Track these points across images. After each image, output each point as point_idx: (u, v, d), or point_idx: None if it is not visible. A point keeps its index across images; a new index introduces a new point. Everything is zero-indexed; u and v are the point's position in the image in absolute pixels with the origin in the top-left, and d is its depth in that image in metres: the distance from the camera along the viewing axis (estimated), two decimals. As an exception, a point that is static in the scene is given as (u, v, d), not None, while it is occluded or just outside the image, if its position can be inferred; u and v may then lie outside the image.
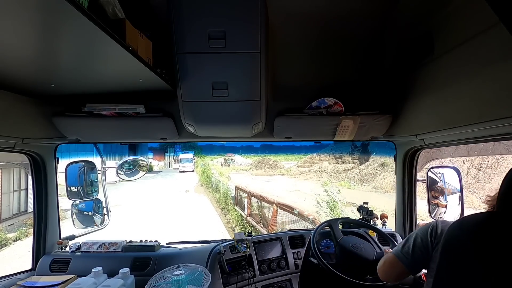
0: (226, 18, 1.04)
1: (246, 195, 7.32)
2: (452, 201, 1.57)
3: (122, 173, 1.82)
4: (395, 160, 1.75)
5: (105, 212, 1.75)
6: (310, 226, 4.67)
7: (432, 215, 1.61)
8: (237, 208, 8.07)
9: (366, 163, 17.84)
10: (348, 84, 1.41)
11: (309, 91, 1.39)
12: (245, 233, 1.59)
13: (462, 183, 1.54)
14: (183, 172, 25.38)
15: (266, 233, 5.74)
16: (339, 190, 7.42)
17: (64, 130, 1.40)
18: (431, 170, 1.65)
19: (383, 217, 1.77)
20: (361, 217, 1.77)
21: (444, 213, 1.58)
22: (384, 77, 1.38)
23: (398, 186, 1.76)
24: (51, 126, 1.37)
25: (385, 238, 1.53)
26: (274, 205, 5.82)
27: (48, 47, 0.79)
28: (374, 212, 1.75)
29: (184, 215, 9.03)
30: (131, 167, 1.88)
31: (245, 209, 7.35)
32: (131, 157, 1.90)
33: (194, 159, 28.31)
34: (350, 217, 1.76)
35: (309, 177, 19.70)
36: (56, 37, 0.73)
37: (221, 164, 29.41)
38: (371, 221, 1.72)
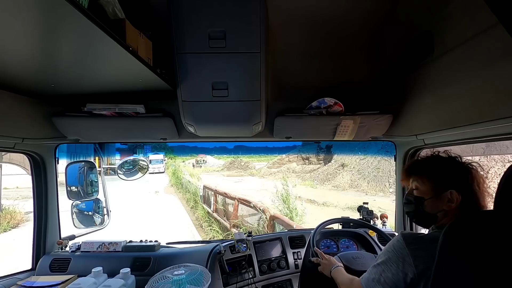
0: (226, 18, 1.04)
1: (213, 193, 7.99)
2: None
3: (122, 173, 1.82)
4: (395, 160, 1.75)
5: (105, 212, 1.76)
6: (263, 216, 5.41)
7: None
8: (204, 206, 8.64)
9: (329, 163, 19.47)
10: (348, 84, 1.41)
11: (309, 91, 1.39)
12: (245, 233, 1.59)
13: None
14: (153, 173, 24.54)
15: (228, 225, 6.41)
16: (295, 185, 8.31)
17: (64, 130, 1.40)
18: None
19: (383, 217, 1.77)
20: (361, 217, 1.77)
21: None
22: (384, 77, 1.38)
23: (398, 186, 1.76)
24: (51, 126, 1.37)
25: (385, 238, 1.53)
26: (236, 200, 6.56)
27: (48, 47, 0.79)
28: (374, 212, 1.75)
29: (153, 214, 9.19)
30: (131, 167, 1.88)
31: (212, 206, 7.97)
32: (131, 157, 1.90)
33: (165, 160, 27.59)
34: (350, 217, 1.76)
35: (278, 177, 20.63)
36: (56, 37, 0.73)
37: (193, 165, 29.06)
38: (371, 221, 1.72)
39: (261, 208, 5.56)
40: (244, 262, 1.48)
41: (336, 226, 1.74)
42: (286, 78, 1.42)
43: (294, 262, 1.59)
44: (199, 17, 1.03)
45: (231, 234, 6.25)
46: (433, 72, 1.06)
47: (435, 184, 0.89)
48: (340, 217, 1.71)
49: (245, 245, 1.51)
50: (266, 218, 5.27)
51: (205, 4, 1.02)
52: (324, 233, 1.66)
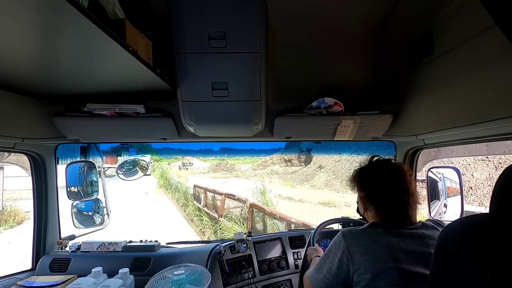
0: (226, 18, 1.04)
1: (203, 190, 9.50)
2: (452, 201, 1.57)
3: (122, 173, 1.82)
4: (395, 160, 1.75)
5: (105, 212, 1.75)
6: (244, 205, 6.72)
7: (432, 215, 1.61)
8: (195, 202, 10.03)
9: (308, 165, 20.95)
10: (348, 84, 1.41)
11: (309, 91, 1.39)
12: (245, 233, 1.59)
13: (462, 183, 1.53)
14: (139, 175, 24.87)
15: (217, 216, 7.80)
16: (270, 181, 9.81)
17: (64, 130, 1.40)
18: (431, 170, 1.65)
19: (383, 217, 1.77)
20: (361, 217, 1.77)
21: (444, 213, 1.58)
22: (384, 77, 1.38)
23: None
24: (51, 126, 1.37)
25: None
26: (223, 195, 8.03)
27: (48, 47, 0.79)
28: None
29: (148, 213, 9.93)
30: (131, 167, 1.88)
31: (202, 202, 9.33)
32: (131, 157, 1.90)
33: (151, 162, 27.41)
34: (350, 217, 1.76)
35: (261, 179, 21.47)
36: (56, 37, 0.73)
37: (179, 168, 28.81)
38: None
39: (243, 199, 6.97)
40: (244, 262, 1.48)
41: (336, 226, 1.74)
42: (286, 78, 1.42)
43: (294, 262, 1.59)
44: (199, 17, 1.03)
45: (219, 222, 7.38)
46: (433, 72, 1.06)
47: (357, 191, 1.09)
48: (340, 217, 1.71)
49: (245, 245, 1.51)
50: (246, 206, 6.58)
51: (205, 4, 1.02)
52: (324, 233, 1.66)
